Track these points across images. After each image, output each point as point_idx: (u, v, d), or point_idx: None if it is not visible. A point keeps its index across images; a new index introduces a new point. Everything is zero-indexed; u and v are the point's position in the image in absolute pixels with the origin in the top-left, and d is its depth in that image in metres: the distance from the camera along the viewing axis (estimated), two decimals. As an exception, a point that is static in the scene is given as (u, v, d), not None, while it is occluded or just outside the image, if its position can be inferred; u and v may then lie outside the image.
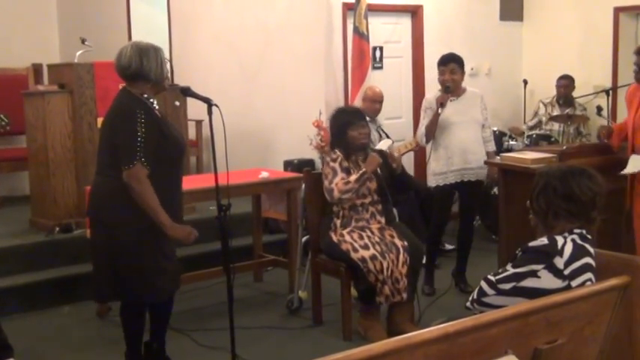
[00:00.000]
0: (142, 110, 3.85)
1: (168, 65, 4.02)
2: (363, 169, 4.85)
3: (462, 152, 5.63)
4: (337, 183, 4.85)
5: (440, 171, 5.66)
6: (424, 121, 5.66)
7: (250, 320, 5.17)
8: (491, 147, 5.85)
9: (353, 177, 4.84)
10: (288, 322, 5.26)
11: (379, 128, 6.40)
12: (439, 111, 5.50)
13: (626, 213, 4.99)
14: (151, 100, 3.97)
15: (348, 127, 4.95)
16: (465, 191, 5.77)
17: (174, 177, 4.02)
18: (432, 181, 5.76)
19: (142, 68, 3.89)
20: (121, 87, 4.07)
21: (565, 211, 2.79)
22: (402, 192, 5.26)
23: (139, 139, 3.78)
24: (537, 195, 2.85)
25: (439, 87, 5.69)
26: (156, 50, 3.95)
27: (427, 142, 5.71)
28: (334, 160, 4.94)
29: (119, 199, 3.88)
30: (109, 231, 3.97)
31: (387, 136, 6.38)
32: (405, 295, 4.73)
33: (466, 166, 5.66)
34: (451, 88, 5.54)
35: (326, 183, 4.91)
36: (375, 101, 6.33)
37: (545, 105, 7.78)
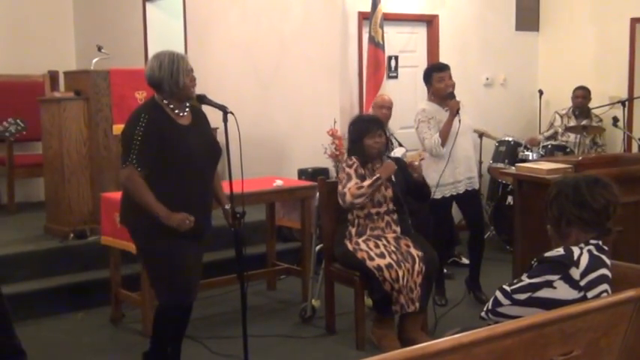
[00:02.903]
0: (147, 114, 3.90)
1: (185, 73, 4.00)
2: (377, 175, 4.85)
3: (467, 160, 5.64)
4: (350, 187, 4.84)
5: (446, 182, 5.57)
6: (432, 131, 5.55)
7: (263, 328, 5.17)
8: None
9: (366, 182, 4.84)
10: (301, 330, 5.25)
11: (391, 136, 6.38)
12: (459, 119, 5.48)
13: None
14: (171, 106, 3.98)
15: (364, 135, 4.95)
16: (468, 201, 5.75)
17: (186, 185, 3.97)
18: (437, 193, 5.56)
19: (154, 79, 3.96)
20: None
21: (577, 219, 2.77)
22: (420, 200, 5.22)
23: (134, 141, 3.85)
24: (551, 202, 2.84)
25: (426, 98, 5.75)
26: (171, 60, 3.94)
27: (443, 148, 5.59)
28: (350, 166, 4.95)
29: (132, 203, 3.96)
30: (136, 234, 4.12)
31: (400, 144, 6.38)
32: (418, 305, 4.71)
33: (471, 175, 5.70)
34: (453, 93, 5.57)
35: (339, 187, 4.92)
36: (383, 107, 6.31)
37: (561, 116, 7.76)
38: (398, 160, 5.14)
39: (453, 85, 5.61)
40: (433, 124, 5.58)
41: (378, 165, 4.98)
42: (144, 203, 3.87)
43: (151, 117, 3.89)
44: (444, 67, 5.67)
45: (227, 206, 4.14)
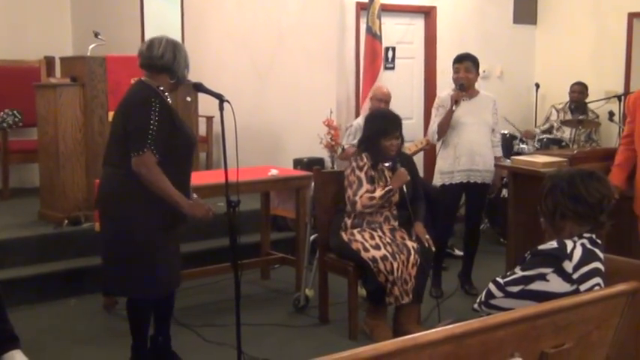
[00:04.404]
0: (157, 99, 3.88)
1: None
2: (390, 187, 4.82)
3: (469, 153, 5.62)
4: (362, 196, 4.81)
5: (447, 170, 5.65)
6: (436, 119, 5.67)
7: (257, 317, 5.18)
8: (499, 152, 5.86)
9: (378, 193, 4.80)
10: (295, 320, 5.26)
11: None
12: (453, 108, 5.50)
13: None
14: (166, 93, 4.00)
15: (382, 136, 4.88)
16: (471, 193, 5.76)
17: (183, 171, 4.03)
18: (437, 180, 5.74)
19: (175, 62, 3.95)
20: (134, 80, 4.11)
21: (572, 212, 2.78)
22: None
23: (151, 126, 3.81)
24: (545, 196, 2.85)
25: (452, 87, 5.69)
26: (182, 48, 4.02)
27: (439, 139, 5.69)
28: (360, 169, 4.89)
29: (128, 192, 3.92)
30: (118, 224, 3.99)
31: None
32: (412, 297, 4.72)
33: (473, 168, 5.65)
34: (465, 86, 5.54)
35: (350, 193, 4.86)
36: (382, 100, 6.28)
37: (557, 110, 7.76)
38: (407, 161, 5.10)
39: (466, 79, 5.57)
40: (441, 112, 5.64)
41: (387, 165, 4.94)
42: (163, 192, 3.86)
43: (160, 102, 3.89)
44: (461, 59, 5.66)
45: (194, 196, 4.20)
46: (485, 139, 5.69)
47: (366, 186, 4.84)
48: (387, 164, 4.92)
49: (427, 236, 4.89)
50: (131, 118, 3.89)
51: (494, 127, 5.73)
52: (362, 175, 4.87)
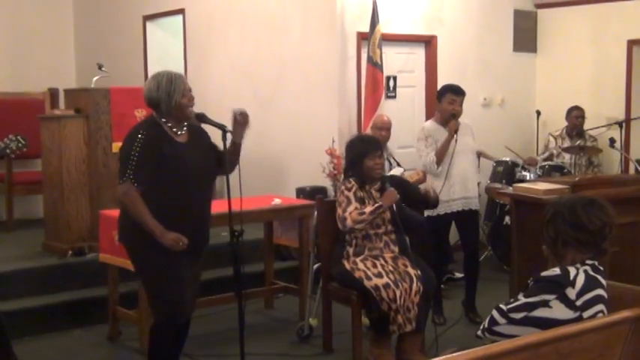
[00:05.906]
0: (145, 131, 3.96)
1: (182, 93, 4.04)
2: (380, 203, 4.84)
3: (462, 181, 5.67)
4: (351, 212, 4.83)
5: (441, 200, 5.63)
6: (428, 149, 5.66)
7: (260, 347, 5.17)
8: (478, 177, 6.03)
9: (368, 209, 4.83)
10: (299, 349, 5.25)
11: (389, 156, 6.40)
12: (455, 138, 5.53)
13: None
14: (169, 124, 4.02)
15: (365, 156, 4.94)
16: (466, 220, 5.78)
17: (183, 198, 4.01)
18: (433, 211, 5.67)
19: (152, 99, 4.02)
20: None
21: (574, 240, 2.79)
22: (428, 207, 5.34)
23: (132, 157, 3.91)
24: (547, 224, 2.86)
25: (434, 117, 5.83)
26: (169, 81, 4.00)
27: (438, 167, 5.67)
28: (349, 189, 4.93)
29: (130, 220, 4.01)
30: (129, 252, 4.17)
31: (398, 164, 6.39)
32: (415, 325, 4.71)
33: (467, 195, 5.71)
34: (457, 118, 5.62)
35: (339, 211, 4.90)
36: (382, 128, 6.32)
37: (555, 138, 7.77)
38: (398, 184, 5.13)
39: (459, 112, 5.66)
40: (430, 143, 5.65)
41: (376, 186, 4.98)
42: (140, 219, 3.93)
43: (148, 134, 3.95)
44: (460, 92, 5.70)
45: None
46: (472, 165, 5.84)
47: (354, 204, 4.87)
48: (375, 187, 4.96)
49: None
50: (120, 150, 4.08)
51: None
52: (350, 194, 4.91)
